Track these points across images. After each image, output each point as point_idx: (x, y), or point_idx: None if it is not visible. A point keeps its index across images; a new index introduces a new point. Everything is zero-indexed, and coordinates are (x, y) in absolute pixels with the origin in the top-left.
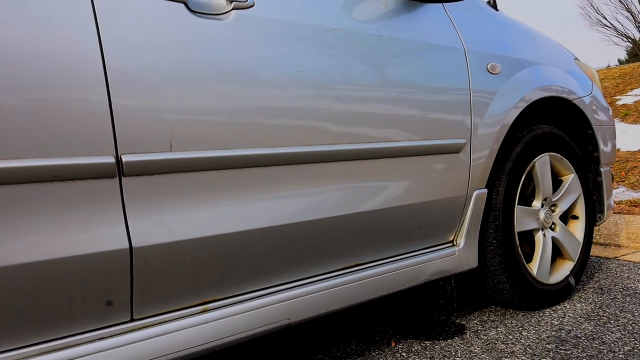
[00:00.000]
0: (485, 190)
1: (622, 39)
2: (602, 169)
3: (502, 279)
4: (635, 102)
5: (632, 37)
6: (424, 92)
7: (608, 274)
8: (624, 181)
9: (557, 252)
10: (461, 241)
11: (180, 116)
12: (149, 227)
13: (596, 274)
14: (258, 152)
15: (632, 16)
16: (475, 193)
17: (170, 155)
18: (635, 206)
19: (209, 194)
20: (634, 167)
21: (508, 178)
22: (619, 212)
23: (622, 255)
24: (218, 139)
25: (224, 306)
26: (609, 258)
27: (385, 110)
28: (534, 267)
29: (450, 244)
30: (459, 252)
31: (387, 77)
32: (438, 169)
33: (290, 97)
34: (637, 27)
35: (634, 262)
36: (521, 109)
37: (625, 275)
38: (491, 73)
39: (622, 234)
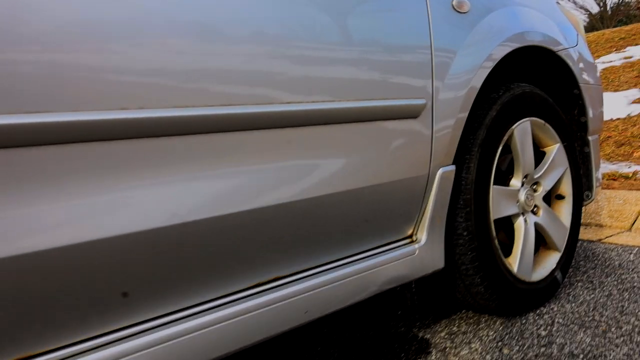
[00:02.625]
0: (453, 168)
1: (582, 12)
2: (590, 138)
3: (475, 280)
4: (602, 69)
5: (589, 11)
6: (363, 33)
7: (595, 261)
8: None
9: (540, 241)
10: (423, 236)
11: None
12: None
13: (582, 262)
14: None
15: None
16: (439, 172)
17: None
18: (614, 179)
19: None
20: (608, 136)
21: (481, 151)
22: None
23: (607, 237)
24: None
25: None
26: (593, 241)
27: (307, 56)
28: (514, 263)
29: (408, 241)
30: (420, 250)
31: (312, 5)
32: (388, 140)
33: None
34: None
35: (622, 244)
36: (495, 62)
37: (616, 262)
38: (458, 11)
39: (604, 211)
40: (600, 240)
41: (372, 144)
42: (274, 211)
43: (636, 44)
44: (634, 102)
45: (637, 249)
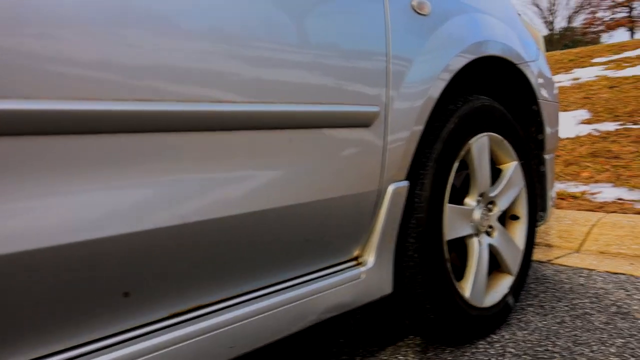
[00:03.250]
0: (406, 184)
1: None
2: (546, 156)
3: (425, 307)
4: None
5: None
6: (314, 33)
7: (546, 284)
8: None
9: (493, 264)
10: (370, 258)
11: None
12: None
13: (532, 285)
14: None
15: (540, 11)
16: (391, 187)
17: None
18: (563, 199)
19: None
20: (557, 155)
21: (437, 166)
22: None
23: (556, 258)
24: None
25: None
26: (542, 262)
27: (252, 54)
28: (466, 288)
29: (354, 263)
30: (367, 274)
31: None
32: (336, 150)
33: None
34: (544, 23)
35: (571, 266)
36: (455, 72)
37: (567, 286)
38: (418, 13)
39: (553, 231)
40: (550, 261)
41: (317, 154)
42: (198, 229)
43: (584, 66)
44: (582, 122)
45: (586, 271)
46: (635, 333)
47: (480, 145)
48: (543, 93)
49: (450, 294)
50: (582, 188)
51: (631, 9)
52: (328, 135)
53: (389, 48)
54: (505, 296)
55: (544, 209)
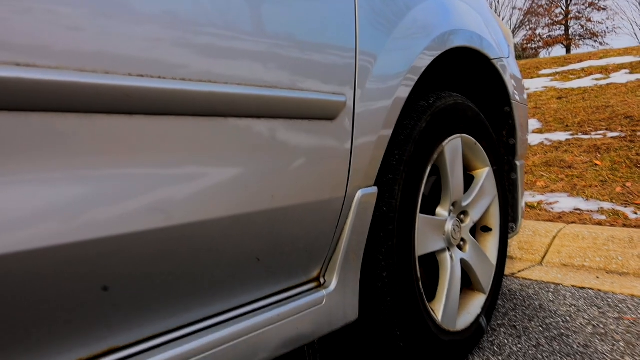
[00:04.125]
0: (375, 190)
1: None
2: (517, 162)
3: (394, 333)
4: None
5: None
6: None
7: (514, 301)
8: None
9: (464, 281)
10: (333, 279)
11: None
12: None
13: (500, 302)
14: None
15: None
16: (359, 194)
17: None
18: None
19: None
20: None
21: (408, 170)
22: None
23: (520, 272)
24: None
25: None
26: (506, 275)
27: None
28: (438, 310)
29: (313, 285)
30: (329, 298)
31: None
32: (294, 146)
33: None
34: None
35: (537, 280)
36: (427, 64)
37: (536, 303)
38: None
39: (513, 243)
40: (513, 274)
41: (270, 151)
42: (113, 246)
43: (531, 77)
44: (534, 131)
45: (553, 286)
46: (618, 358)
47: (453, 147)
48: (516, 92)
49: (421, 318)
50: (538, 197)
51: (567, 27)
52: (284, 128)
53: (356, 26)
54: (478, 317)
55: (515, 219)
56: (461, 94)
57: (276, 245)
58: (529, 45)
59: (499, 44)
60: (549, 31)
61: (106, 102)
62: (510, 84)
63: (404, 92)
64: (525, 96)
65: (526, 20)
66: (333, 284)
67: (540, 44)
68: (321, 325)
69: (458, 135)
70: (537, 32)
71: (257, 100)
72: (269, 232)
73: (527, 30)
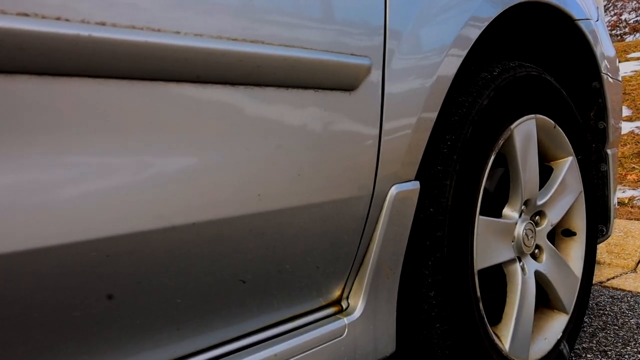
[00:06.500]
0: (417, 185)
1: None
2: (608, 151)
3: None
4: None
5: None
6: None
7: (604, 317)
8: None
9: (540, 298)
10: (359, 301)
11: None
12: None
13: (585, 319)
14: None
15: None
16: (392, 190)
17: None
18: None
19: None
20: None
21: (463, 160)
22: None
23: (609, 280)
24: None
25: None
26: (593, 284)
27: None
28: (505, 336)
29: (332, 311)
30: (353, 327)
31: None
32: (292, 127)
33: None
34: None
35: (631, 291)
36: (488, 22)
37: (632, 321)
38: None
39: (601, 245)
40: (601, 283)
41: (253, 133)
42: (35, 261)
43: (619, 62)
44: (623, 119)
45: None
46: None
47: (525, 131)
48: (607, 64)
49: (482, 349)
50: (630, 193)
51: None
52: (274, 99)
53: None
54: (558, 343)
55: (605, 220)
56: (540, 66)
57: (269, 261)
58: (614, 32)
59: (585, 1)
60: (636, 15)
61: None
62: (600, 53)
63: (454, 62)
64: (620, 74)
65: (610, 5)
66: (359, 309)
67: (627, 29)
68: None
69: (532, 115)
70: (623, 17)
71: (233, 58)
72: (255, 245)
73: (611, 16)
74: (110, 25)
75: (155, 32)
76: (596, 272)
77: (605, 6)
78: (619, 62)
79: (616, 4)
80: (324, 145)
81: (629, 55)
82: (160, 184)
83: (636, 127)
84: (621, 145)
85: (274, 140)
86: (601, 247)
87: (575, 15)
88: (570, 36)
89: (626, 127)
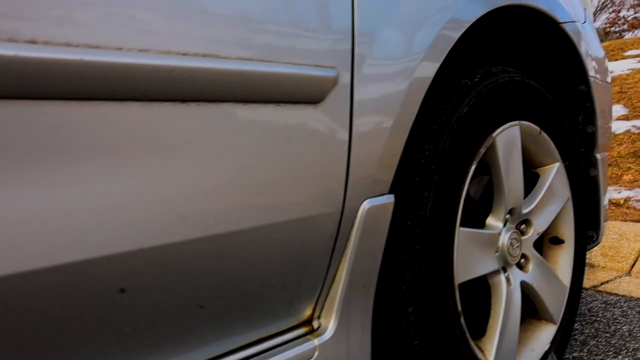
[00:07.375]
0: (390, 199)
1: None
2: (597, 156)
3: None
4: None
5: None
6: None
7: (595, 324)
8: None
9: (526, 308)
10: (330, 321)
11: None
12: None
13: (577, 325)
14: None
15: None
16: (364, 206)
17: None
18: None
19: None
20: None
21: (442, 170)
22: None
23: (602, 284)
24: None
25: None
26: (586, 288)
27: None
28: (489, 349)
29: (302, 331)
30: (324, 348)
31: None
32: (261, 143)
33: None
34: None
35: (624, 296)
36: (465, 28)
37: (624, 328)
38: None
39: (594, 248)
40: (595, 287)
41: (220, 151)
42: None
43: (616, 59)
44: (619, 119)
45: None
46: None
47: (508, 139)
48: (595, 66)
49: None
50: (625, 193)
51: None
52: (244, 117)
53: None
54: (546, 355)
55: (595, 226)
56: (526, 71)
57: (229, 284)
58: (612, 29)
59: (570, 7)
60: (635, 12)
61: None
62: (587, 55)
63: (431, 67)
64: (609, 76)
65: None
66: (330, 329)
67: (625, 26)
68: None
69: (515, 122)
70: (621, 14)
71: (183, 74)
72: (212, 268)
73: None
74: (42, 43)
75: (93, 49)
76: (590, 275)
77: (603, 3)
78: (616, 59)
79: (614, 0)
80: (287, 162)
81: (626, 53)
82: (101, 211)
83: (632, 126)
84: (617, 145)
85: (230, 159)
86: (595, 250)
87: (560, 18)
88: (556, 39)
89: (622, 126)
